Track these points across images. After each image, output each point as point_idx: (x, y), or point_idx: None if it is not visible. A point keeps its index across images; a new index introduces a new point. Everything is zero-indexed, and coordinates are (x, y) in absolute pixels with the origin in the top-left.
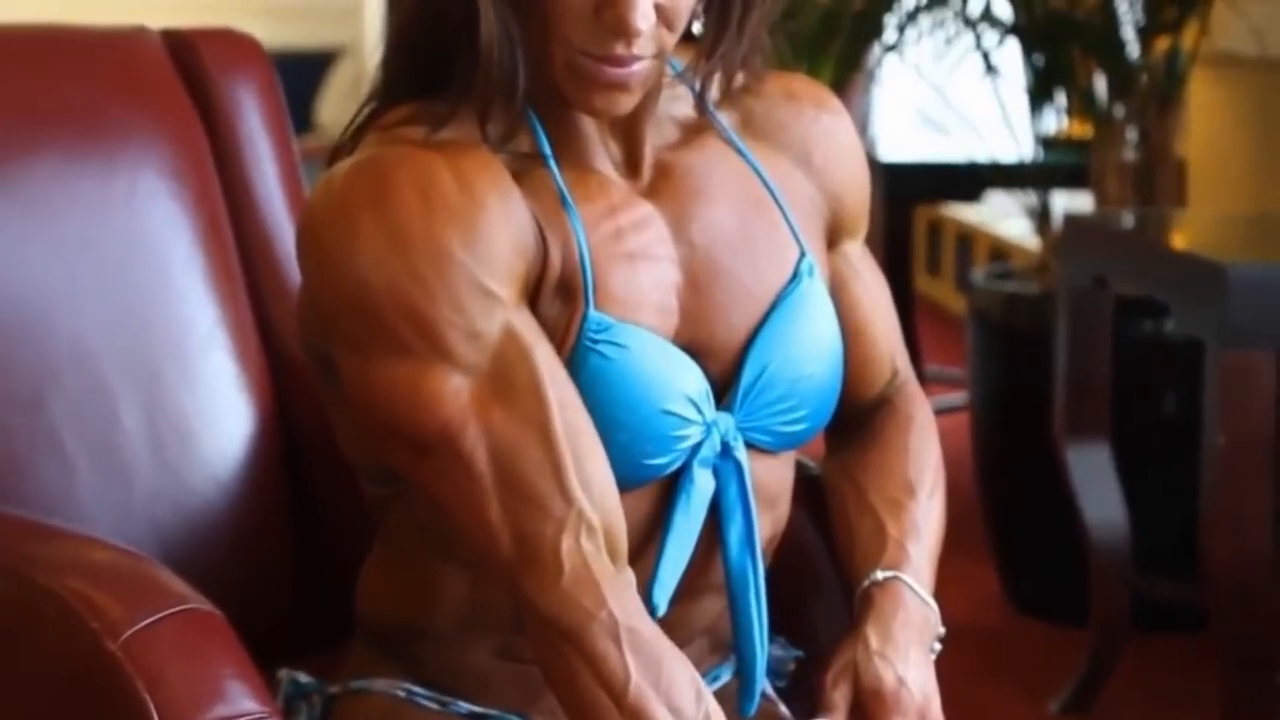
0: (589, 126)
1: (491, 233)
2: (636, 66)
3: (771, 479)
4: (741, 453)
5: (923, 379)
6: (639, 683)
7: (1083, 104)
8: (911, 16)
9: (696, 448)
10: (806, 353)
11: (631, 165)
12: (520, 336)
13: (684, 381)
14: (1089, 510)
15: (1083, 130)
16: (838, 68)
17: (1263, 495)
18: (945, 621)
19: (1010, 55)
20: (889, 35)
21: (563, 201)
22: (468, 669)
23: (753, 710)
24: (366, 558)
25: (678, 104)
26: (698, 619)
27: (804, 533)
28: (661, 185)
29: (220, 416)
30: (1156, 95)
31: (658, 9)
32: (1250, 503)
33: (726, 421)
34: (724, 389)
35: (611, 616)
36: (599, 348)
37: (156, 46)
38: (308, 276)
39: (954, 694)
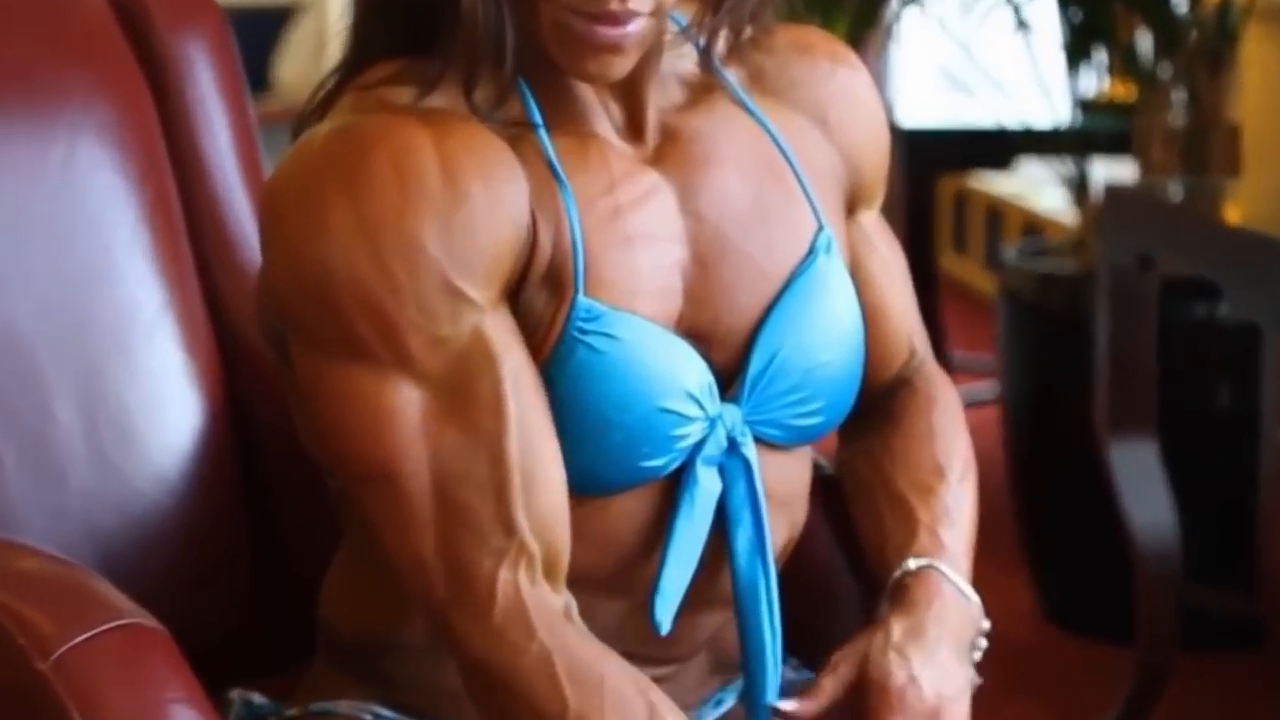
0: (585, 90)
1: (472, 227)
2: (632, 26)
3: (784, 478)
4: (750, 449)
5: (948, 367)
6: (579, 712)
7: (1125, 63)
8: None
9: (700, 445)
10: (822, 338)
11: (634, 128)
12: (489, 343)
13: (684, 375)
14: (1133, 514)
15: (1125, 92)
16: (852, 23)
17: None
18: None
19: (1044, 9)
20: None
21: (555, 176)
22: (441, 688)
23: None
24: (330, 564)
25: (682, 62)
26: (699, 633)
27: (819, 540)
28: (668, 151)
29: (166, 409)
30: (1207, 53)
31: None
32: None
33: (733, 415)
34: (731, 378)
35: (543, 647)
36: (588, 339)
37: None
38: (268, 256)
39: (984, 715)
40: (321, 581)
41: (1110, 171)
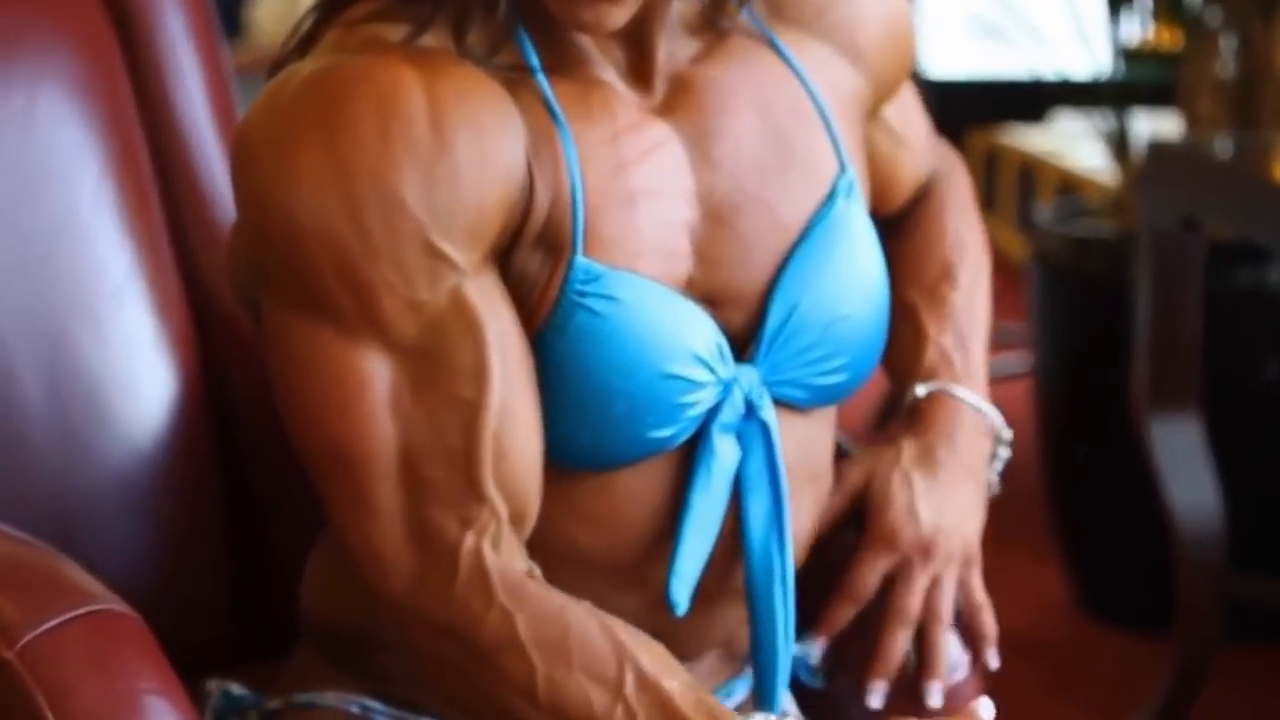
0: (587, 37)
1: (457, 181)
2: None
3: (807, 446)
4: (769, 412)
5: None
6: (548, 673)
7: (1170, 8)
8: None
9: (714, 412)
10: (843, 290)
11: (641, 76)
12: (471, 307)
13: (691, 337)
14: (1175, 496)
15: (1170, 40)
16: None
17: None
18: (1005, 628)
19: None
20: None
21: (556, 123)
22: None
23: None
24: (313, 546)
25: (693, 7)
26: (714, 628)
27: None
28: (679, 102)
29: (137, 379)
30: None
31: None
32: None
33: (750, 376)
34: (747, 338)
35: (503, 612)
36: (586, 301)
37: None
38: (237, 204)
39: (1018, 713)
40: (303, 563)
41: (1153, 126)
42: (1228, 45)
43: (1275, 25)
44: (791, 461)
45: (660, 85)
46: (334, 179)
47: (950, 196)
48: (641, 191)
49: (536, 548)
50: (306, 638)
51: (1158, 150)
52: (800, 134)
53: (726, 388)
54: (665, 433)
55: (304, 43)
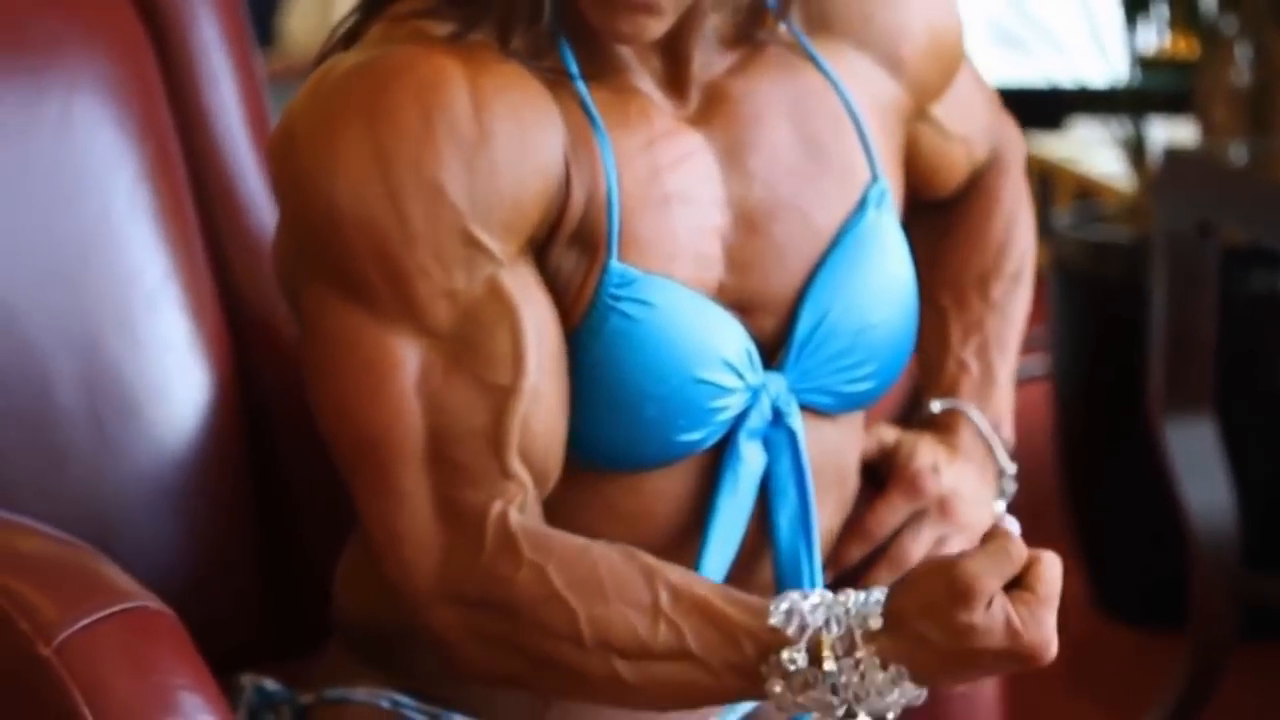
0: (625, 47)
1: (496, 173)
2: None
3: (834, 451)
4: (796, 419)
5: None
6: (588, 613)
7: (1186, 17)
8: None
9: (742, 417)
10: (873, 297)
11: (677, 86)
12: (507, 295)
13: (722, 343)
14: (1190, 497)
15: (1186, 48)
16: None
17: None
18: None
19: None
20: None
21: (594, 127)
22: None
23: None
24: (343, 544)
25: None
26: None
27: None
28: (714, 112)
29: (171, 382)
30: (1273, 6)
31: None
32: None
33: (777, 383)
34: (777, 345)
35: (532, 565)
36: (621, 305)
37: None
38: (278, 190)
39: (1032, 711)
40: (334, 562)
41: (1169, 133)
42: (1243, 53)
43: None
44: (817, 465)
45: (695, 95)
46: (375, 166)
47: (1002, 194)
48: (676, 196)
49: None
50: (338, 634)
51: (1173, 157)
52: (834, 143)
53: (755, 394)
54: (694, 436)
55: (349, 36)
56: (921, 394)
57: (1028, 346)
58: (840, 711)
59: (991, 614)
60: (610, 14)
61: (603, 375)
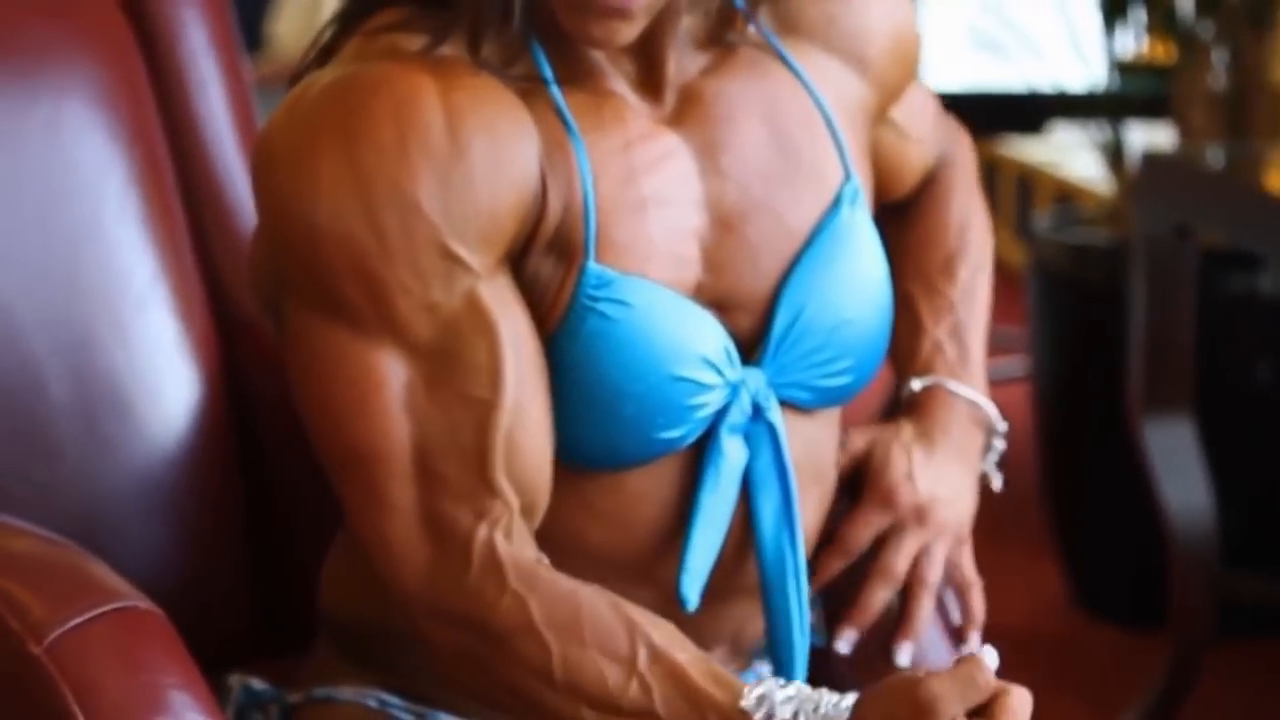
0: (596, 50)
1: (472, 187)
2: None
3: (813, 446)
4: (775, 414)
5: None
6: (562, 653)
7: (1163, 22)
8: None
9: (722, 413)
10: (847, 294)
11: (652, 88)
12: (485, 309)
13: (699, 341)
14: (1169, 496)
15: (1163, 53)
16: None
17: None
18: (1002, 625)
19: None
20: None
21: (569, 132)
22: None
23: None
24: (331, 543)
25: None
26: (724, 624)
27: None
28: (688, 113)
29: (160, 382)
30: (1249, 12)
31: None
32: None
33: (756, 379)
34: (755, 342)
35: (515, 597)
36: (599, 306)
37: None
38: (259, 208)
39: None
40: (322, 561)
41: (1147, 137)
42: (1220, 58)
43: (1266, 38)
44: (797, 460)
45: (670, 97)
46: (352, 184)
47: (955, 183)
48: (652, 199)
49: (548, 544)
50: (325, 634)
51: (1152, 160)
52: (807, 143)
53: (734, 390)
54: (675, 434)
55: (324, 53)
56: (898, 380)
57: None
58: None
59: None
60: (582, 19)
61: (582, 376)
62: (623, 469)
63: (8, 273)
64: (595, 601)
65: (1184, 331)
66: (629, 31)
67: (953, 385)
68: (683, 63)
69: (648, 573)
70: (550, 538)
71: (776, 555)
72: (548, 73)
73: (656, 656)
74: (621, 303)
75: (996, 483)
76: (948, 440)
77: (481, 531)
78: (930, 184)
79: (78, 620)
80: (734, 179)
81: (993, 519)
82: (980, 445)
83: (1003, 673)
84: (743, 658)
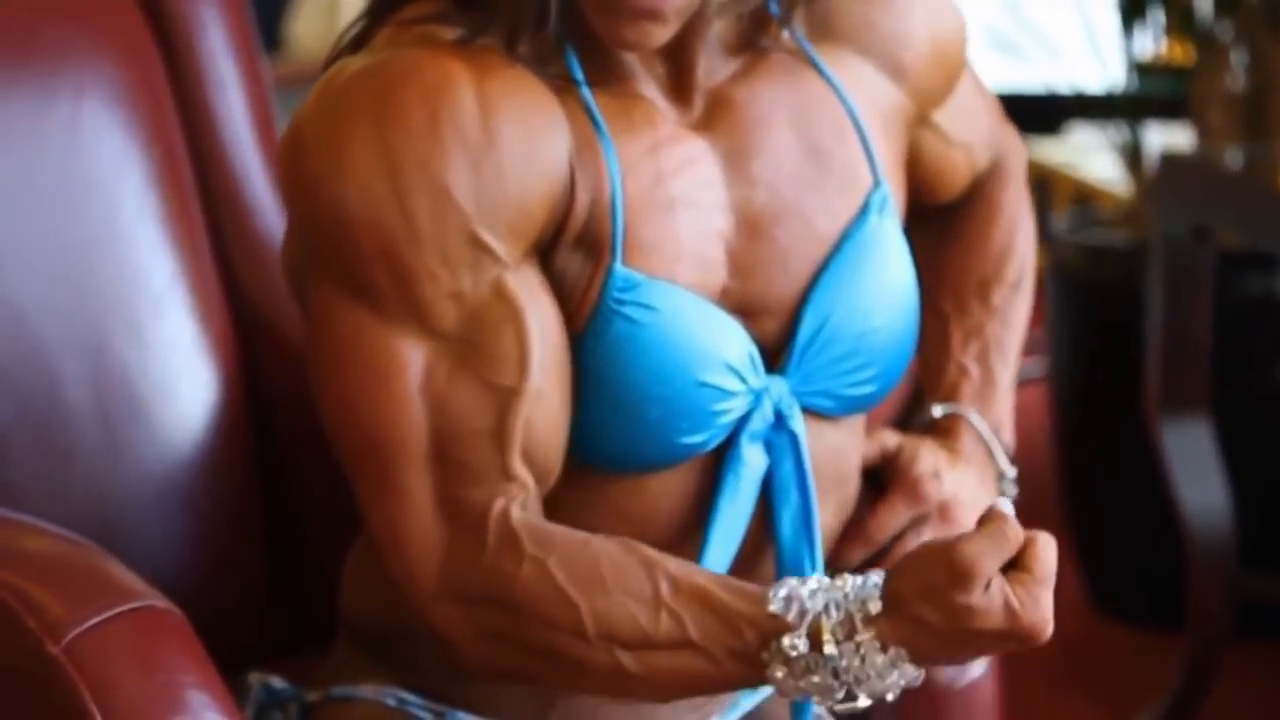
0: (628, 53)
1: (503, 176)
2: None
3: (835, 452)
4: (798, 422)
5: None
6: (591, 606)
7: (1182, 23)
8: None
9: (744, 420)
10: (875, 301)
11: (681, 92)
12: (512, 298)
13: (724, 347)
14: (1186, 497)
15: (1182, 54)
16: None
17: None
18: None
19: None
20: None
21: (599, 133)
22: (468, 673)
23: None
24: (348, 542)
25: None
26: None
27: None
28: (717, 118)
29: (178, 384)
30: (1268, 12)
31: None
32: None
33: (780, 387)
34: (779, 348)
35: (534, 561)
36: (625, 310)
37: None
38: (287, 192)
39: (1029, 709)
40: (339, 561)
41: (1165, 138)
42: (1238, 59)
43: None
44: (819, 466)
45: (699, 101)
46: (382, 168)
47: (1001, 202)
48: (679, 200)
49: None
50: (345, 632)
51: (1170, 161)
52: (836, 149)
53: (757, 397)
54: (697, 438)
55: (357, 41)
56: (922, 398)
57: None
58: (840, 695)
59: (990, 595)
60: (615, 21)
61: (606, 378)
62: (645, 472)
63: (26, 273)
64: (609, 548)
65: (1202, 332)
66: (661, 34)
67: (974, 419)
68: (713, 67)
69: None
70: None
71: (795, 562)
72: (579, 74)
73: (678, 585)
74: (648, 306)
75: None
76: (968, 461)
77: (496, 508)
78: (977, 199)
79: (95, 620)
80: (763, 184)
81: None
82: (993, 475)
83: (1018, 673)
84: None
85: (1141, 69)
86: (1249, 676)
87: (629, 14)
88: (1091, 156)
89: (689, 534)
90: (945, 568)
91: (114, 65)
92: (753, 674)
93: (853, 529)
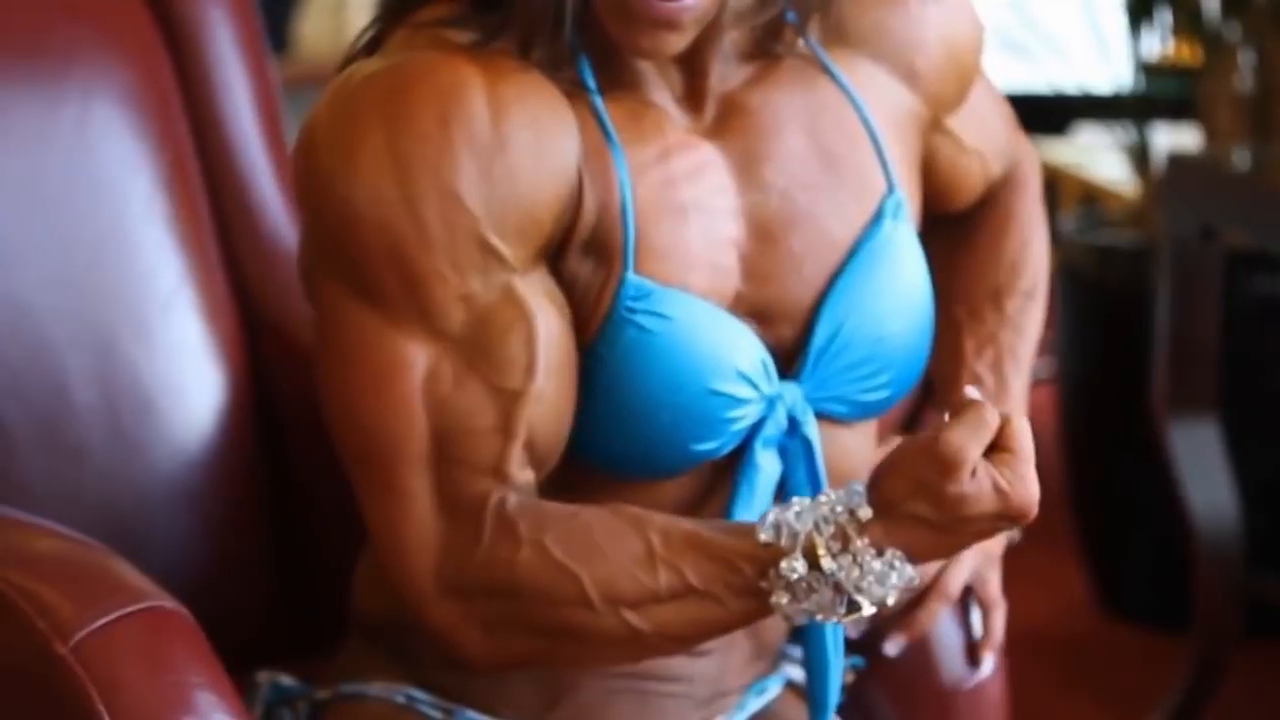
0: (643, 61)
1: (513, 180)
2: (690, 0)
3: (847, 455)
4: (811, 428)
5: None
6: (592, 575)
7: (1189, 23)
8: None
9: (758, 426)
10: (889, 307)
11: (694, 99)
12: (521, 301)
13: (737, 355)
14: (1194, 497)
15: (1189, 54)
16: None
17: None
18: (1026, 627)
19: None
20: None
21: (608, 140)
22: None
23: None
24: (356, 542)
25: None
26: (750, 628)
27: None
28: (729, 124)
29: (185, 385)
30: (1276, 13)
31: None
32: None
33: (794, 393)
34: (794, 355)
35: (532, 544)
36: (637, 318)
37: None
38: (299, 190)
39: (1036, 710)
40: (347, 560)
41: (1173, 139)
42: (1246, 60)
43: None
44: (833, 471)
45: (711, 108)
46: (393, 170)
47: (1015, 211)
48: (691, 207)
49: None
50: (357, 629)
51: (1177, 162)
52: (849, 154)
53: (771, 404)
54: (709, 446)
55: (371, 43)
56: (931, 396)
57: None
58: (843, 609)
59: (978, 480)
60: (632, 29)
61: (618, 386)
62: (656, 477)
63: (34, 273)
64: (599, 514)
65: (1209, 333)
66: (678, 42)
67: None
68: (726, 74)
69: None
70: None
71: None
72: (591, 82)
73: (668, 536)
74: (660, 315)
75: (1013, 539)
76: None
77: (492, 501)
78: (991, 207)
79: (104, 620)
80: (776, 190)
81: None
82: None
83: (1026, 673)
84: (768, 657)
85: (1149, 69)
86: (1256, 677)
87: (646, 22)
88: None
89: None
90: (931, 461)
91: (122, 67)
92: (758, 605)
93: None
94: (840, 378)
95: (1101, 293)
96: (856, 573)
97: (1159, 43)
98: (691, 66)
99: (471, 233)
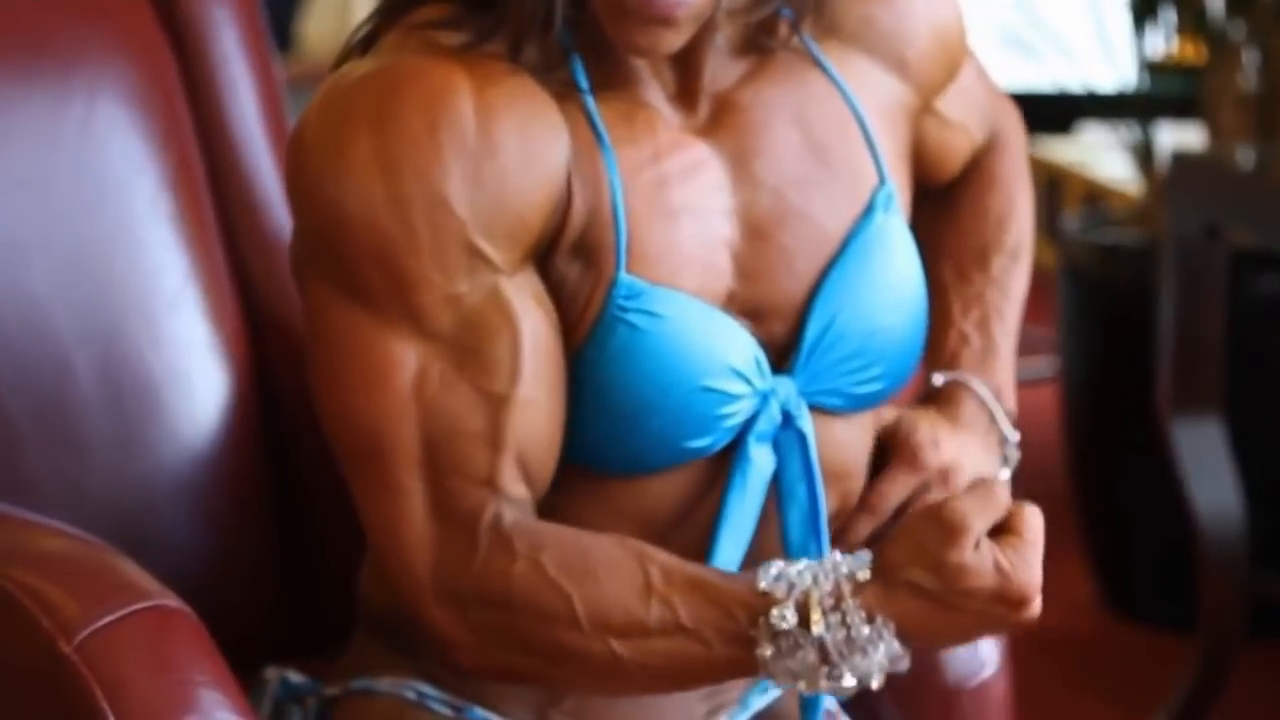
0: (637, 59)
1: (501, 185)
2: None
3: (842, 446)
4: (805, 421)
5: None
6: (583, 595)
7: (1194, 22)
8: None
9: (751, 421)
10: (882, 300)
11: (687, 97)
12: (508, 304)
13: (729, 351)
14: (1198, 497)
15: (1194, 53)
16: None
17: None
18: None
19: None
20: None
21: (599, 142)
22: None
23: None
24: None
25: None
26: None
27: None
28: (722, 121)
29: (191, 381)
30: None
31: None
32: None
33: (787, 387)
34: (789, 348)
35: (528, 560)
36: (629, 317)
37: None
38: (289, 190)
39: (1041, 709)
40: (352, 557)
41: (1177, 137)
42: (1250, 59)
43: None
44: (827, 461)
45: (704, 106)
46: (381, 173)
47: (998, 172)
48: (683, 208)
49: None
50: (365, 625)
51: (1181, 161)
52: (841, 147)
53: (764, 399)
54: (702, 442)
55: (365, 43)
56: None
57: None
58: (826, 677)
59: (980, 554)
60: (629, 27)
61: (610, 385)
62: (648, 474)
63: (40, 272)
64: (599, 540)
65: (1213, 332)
66: (674, 40)
67: (974, 383)
68: (719, 72)
69: None
70: None
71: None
72: (584, 82)
73: (669, 572)
74: (652, 314)
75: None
76: (970, 429)
77: (488, 513)
78: (975, 170)
79: (108, 619)
80: (767, 186)
81: None
82: (996, 440)
83: (1031, 673)
84: None
85: (1153, 68)
86: (1261, 676)
87: (643, 20)
88: (1103, 156)
89: (697, 536)
90: (935, 527)
91: (127, 65)
92: (745, 656)
93: (858, 502)
94: (833, 371)
95: (1106, 292)
96: (843, 634)
97: (1163, 41)
98: (685, 65)
99: (459, 237)
